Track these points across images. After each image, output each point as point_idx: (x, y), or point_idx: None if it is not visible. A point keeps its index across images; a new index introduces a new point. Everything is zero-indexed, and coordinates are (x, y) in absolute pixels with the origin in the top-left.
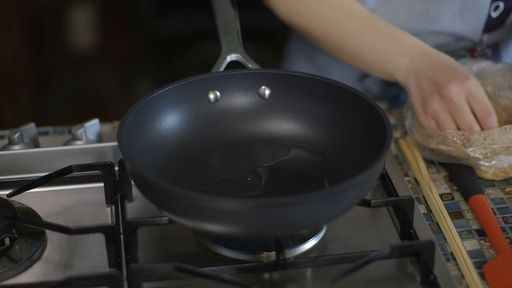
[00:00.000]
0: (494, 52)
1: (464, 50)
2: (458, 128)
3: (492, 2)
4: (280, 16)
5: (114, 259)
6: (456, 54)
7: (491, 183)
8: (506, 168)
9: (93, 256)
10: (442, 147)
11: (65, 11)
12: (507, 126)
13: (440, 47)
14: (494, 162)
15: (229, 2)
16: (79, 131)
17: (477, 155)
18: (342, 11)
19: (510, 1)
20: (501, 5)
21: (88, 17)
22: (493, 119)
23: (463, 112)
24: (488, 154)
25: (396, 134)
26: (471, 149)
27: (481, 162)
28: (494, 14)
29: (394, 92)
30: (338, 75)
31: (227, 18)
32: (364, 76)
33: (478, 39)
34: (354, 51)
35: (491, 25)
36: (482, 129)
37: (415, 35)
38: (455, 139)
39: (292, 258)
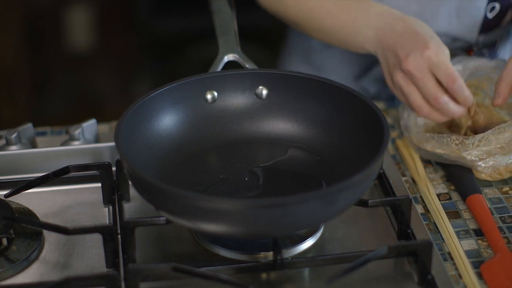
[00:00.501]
0: (490, 52)
1: (460, 50)
2: (425, 99)
3: (488, 3)
4: (262, 6)
5: (111, 259)
6: (452, 54)
7: (489, 182)
8: (500, 169)
9: (91, 256)
10: (437, 150)
11: (63, 11)
12: (501, 125)
13: None
14: (491, 162)
15: (226, 2)
16: (77, 131)
17: (473, 158)
18: None
19: (506, 2)
20: (497, 6)
21: (85, 17)
22: (460, 84)
23: (424, 84)
24: (484, 155)
25: (394, 134)
26: (467, 152)
27: (478, 164)
28: (490, 15)
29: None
30: (335, 75)
31: (225, 18)
32: (361, 75)
33: (474, 40)
34: (326, 29)
35: (487, 26)
36: (450, 95)
37: None
38: (449, 142)
39: (289, 258)
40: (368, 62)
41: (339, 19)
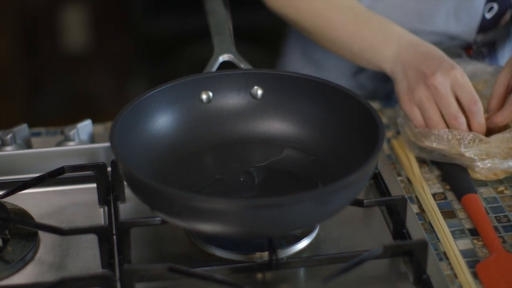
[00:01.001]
0: (489, 51)
1: (459, 48)
2: (443, 117)
3: (486, 3)
4: (271, 7)
5: (107, 260)
6: (451, 52)
7: (484, 182)
8: (497, 172)
9: (86, 257)
10: (436, 145)
11: (58, 11)
12: (502, 134)
13: (435, 45)
14: (489, 164)
15: (221, 2)
16: (72, 132)
17: (472, 156)
18: (329, 2)
19: (504, 3)
20: (495, 6)
21: (81, 18)
22: (479, 108)
23: (448, 101)
24: (484, 155)
25: (389, 133)
26: (467, 149)
27: (476, 163)
28: (488, 15)
29: (389, 88)
30: (333, 71)
31: (219, 18)
32: (358, 71)
33: (472, 39)
34: (341, 41)
35: (485, 26)
36: (467, 118)
37: None
38: (449, 137)
39: (285, 258)
40: None
41: (357, 34)
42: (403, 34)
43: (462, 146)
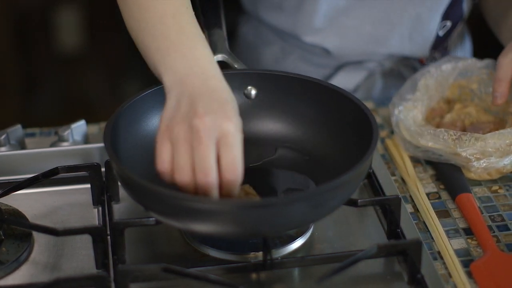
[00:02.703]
0: (443, 54)
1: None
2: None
3: (440, 22)
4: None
5: (101, 260)
6: (404, 63)
7: (478, 181)
8: (492, 171)
9: (80, 258)
10: (432, 144)
11: (52, 12)
12: (499, 131)
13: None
14: (484, 164)
15: (214, 2)
16: (66, 133)
17: (468, 155)
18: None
19: (457, 18)
20: (449, 23)
21: (74, 18)
22: (235, 181)
23: (205, 152)
24: (479, 155)
25: (383, 133)
26: (463, 149)
27: (472, 163)
28: (441, 32)
29: (360, 95)
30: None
31: (213, 18)
32: (328, 77)
33: (425, 56)
34: (142, 44)
35: (438, 42)
36: (220, 187)
37: (364, 56)
38: (445, 137)
39: (279, 258)
40: (321, 77)
41: (151, 44)
42: (197, 57)
43: (458, 146)
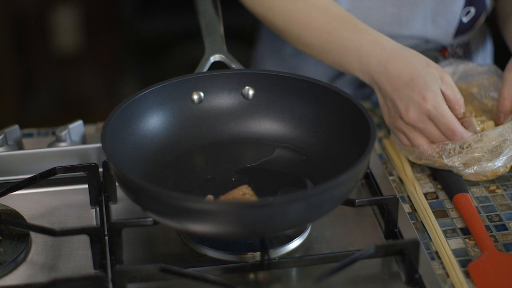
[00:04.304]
0: (464, 51)
1: (435, 50)
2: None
3: (463, 7)
4: (244, 4)
5: (99, 261)
6: (427, 55)
7: (476, 181)
8: (487, 174)
9: (78, 258)
10: (421, 161)
11: (49, 12)
12: (481, 133)
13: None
14: (475, 169)
15: (212, 3)
16: (63, 133)
17: (456, 165)
18: (306, 4)
19: (480, 6)
20: (472, 10)
21: (72, 19)
22: (460, 134)
23: (429, 132)
24: (468, 162)
25: (380, 133)
26: (449, 159)
27: (464, 171)
28: (465, 19)
29: (366, 93)
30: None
31: (210, 19)
32: (335, 77)
33: (448, 43)
34: (313, 49)
35: (462, 29)
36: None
37: None
38: (429, 152)
39: (277, 258)
40: None
41: (327, 45)
42: (375, 43)
43: (444, 158)
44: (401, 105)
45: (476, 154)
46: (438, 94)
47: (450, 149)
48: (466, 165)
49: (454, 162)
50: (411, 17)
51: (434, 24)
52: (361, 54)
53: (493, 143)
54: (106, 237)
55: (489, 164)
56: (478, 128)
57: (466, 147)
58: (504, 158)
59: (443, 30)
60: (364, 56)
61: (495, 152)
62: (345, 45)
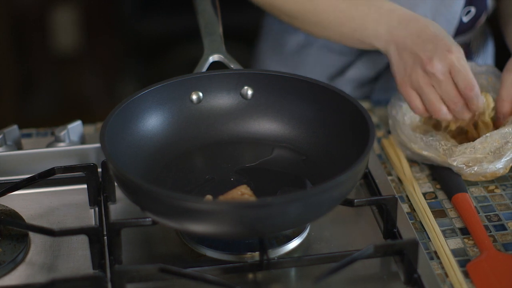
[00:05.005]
0: (465, 51)
1: None
2: (443, 101)
3: (464, 7)
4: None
5: (97, 261)
6: None
7: (474, 181)
8: (486, 175)
9: (77, 258)
10: (424, 152)
11: (48, 12)
12: (487, 134)
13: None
14: (476, 168)
15: (211, 3)
16: (62, 133)
17: (459, 165)
18: None
19: (481, 6)
20: (473, 10)
21: (71, 19)
22: (476, 93)
23: (447, 88)
24: (470, 162)
25: (379, 133)
26: (453, 158)
27: (464, 170)
28: (466, 19)
29: (366, 92)
30: (309, 75)
31: (209, 19)
32: (335, 76)
33: None
34: (332, 24)
35: (462, 29)
36: (465, 102)
37: None
38: (437, 147)
39: (276, 258)
40: (342, 64)
41: (346, 14)
42: (393, 10)
43: (448, 156)
44: (424, 55)
45: (479, 155)
46: (461, 50)
47: (456, 150)
48: (467, 166)
49: (456, 161)
50: None
51: None
52: (381, 14)
53: (496, 144)
54: (105, 237)
55: (490, 166)
56: (484, 101)
57: (470, 148)
58: (505, 160)
59: None
60: (383, 15)
61: (497, 154)
62: (364, 12)
